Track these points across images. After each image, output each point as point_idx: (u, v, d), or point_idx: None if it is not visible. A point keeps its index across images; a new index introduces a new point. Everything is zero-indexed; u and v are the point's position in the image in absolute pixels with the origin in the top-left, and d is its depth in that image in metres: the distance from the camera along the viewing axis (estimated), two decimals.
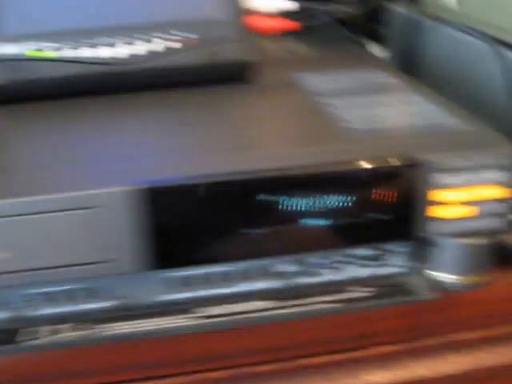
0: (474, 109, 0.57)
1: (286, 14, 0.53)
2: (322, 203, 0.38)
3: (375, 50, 0.69)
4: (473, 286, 0.42)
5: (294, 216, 0.38)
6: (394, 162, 0.38)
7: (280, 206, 0.37)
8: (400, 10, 0.68)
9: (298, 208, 0.38)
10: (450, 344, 0.47)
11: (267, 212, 0.37)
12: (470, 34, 0.48)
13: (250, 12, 0.50)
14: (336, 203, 0.38)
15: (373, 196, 0.38)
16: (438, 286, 0.42)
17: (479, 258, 0.41)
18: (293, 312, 0.41)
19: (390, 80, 0.51)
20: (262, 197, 0.37)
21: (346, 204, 0.38)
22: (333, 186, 0.38)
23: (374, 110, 0.44)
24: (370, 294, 0.42)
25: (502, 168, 0.38)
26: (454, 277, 0.41)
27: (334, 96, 0.47)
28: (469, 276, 0.41)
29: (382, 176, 0.38)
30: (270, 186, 0.37)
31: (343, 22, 0.80)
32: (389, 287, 0.42)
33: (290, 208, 0.38)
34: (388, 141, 0.39)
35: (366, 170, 0.37)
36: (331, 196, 0.38)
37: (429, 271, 0.42)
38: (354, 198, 0.38)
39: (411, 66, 0.66)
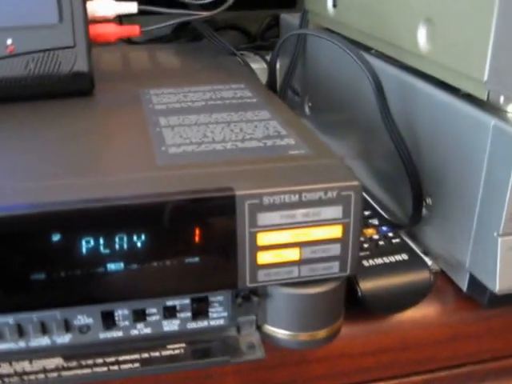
0: (348, 122, 0.51)
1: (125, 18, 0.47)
2: (122, 244, 0.31)
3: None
4: (310, 343, 0.34)
5: (94, 259, 0.31)
6: (206, 195, 0.31)
7: (76, 248, 0.31)
8: (291, 20, 0.62)
9: (99, 249, 0.31)
10: None
11: (60, 254, 0.31)
12: (336, 44, 0.42)
13: (86, 17, 0.42)
14: (140, 244, 0.31)
15: (185, 236, 0.31)
16: (270, 341, 0.35)
17: (317, 309, 0.34)
18: (95, 372, 0.34)
19: (246, 96, 0.44)
20: (53, 236, 0.30)
21: (153, 245, 0.31)
22: (131, 223, 0.31)
23: (208, 131, 0.38)
24: (188, 352, 0.35)
25: (334, 203, 0.31)
26: (286, 332, 0.34)
27: (173, 114, 0.41)
28: (305, 331, 0.34)
29: (192, 212, 0.31)
30: (62, 223, 0.30)
31: (244, 31, 0.74)
32: (211, 344, 0.35)
33: (87, 250, 0.31)
34: (204, 169, 0.33)
35: (172, 204, 0.30)
36: (133, 235, 0.31)
37: (259, 325, 0.35)
38: (162, 237, 0.31)
39: (298, 76, 0.60)
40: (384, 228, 0.42)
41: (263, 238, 0.32)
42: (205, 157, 0.34)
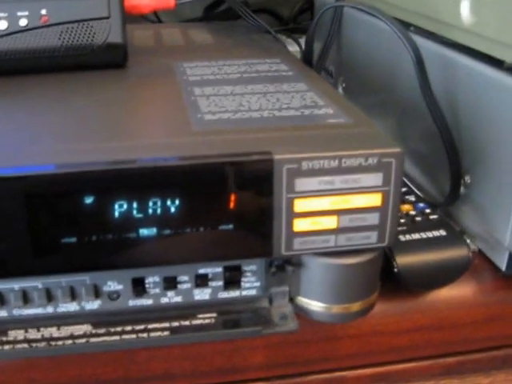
0: (383, 101, 0.50)
1: None
2: (155, 208, 0.30)
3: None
4: (343, 316, 0.34)
5: (126, 224, 0.30)
6: (243, 159, 0.30)
7: (108, 211, 0.30)
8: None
9: (132, 214, 0.30)
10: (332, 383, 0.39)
11: (93, 218, 0.30)
12: (379, 19, 0.41)
13: None
14: (174, 209, 0.30)
15: (220, 201, 0.30)
16: (303, 314, 0.34)
17: (353, 280, 0.33)
18: (124, 339, 0.33)
19: (282, 69, 0.44)
20: (85, 198, 0.29)
21: (187, 210, 0.30)
22: (165, 186, 0.30)
23: (244, 100, 0.37)
24: (218, 322, 0.34)
25: (374, 170, 0.30)
26: (320, 304, 0.33)
27: (208, 85, 0.40)
28: (339, 303, 0.33)
29: (228, 176, 0.30)
30: (95, 185, 0.30)
31: (276, 15, 0.73)
32: (242, 315, 0.34)
33: (120, 214, 0.30)
34: (240, 135, 0.32)
35: (208, 167, 0.30)
36: (167, 199, 0.30)
37: (292, 297, 0.34)
38: (197, 202, 0.30)
39: (331, 57, 0.60)
40: (421, 204, 0.41)
41: (300, 205, 0.31)
42: (241, 123, 0.34)
